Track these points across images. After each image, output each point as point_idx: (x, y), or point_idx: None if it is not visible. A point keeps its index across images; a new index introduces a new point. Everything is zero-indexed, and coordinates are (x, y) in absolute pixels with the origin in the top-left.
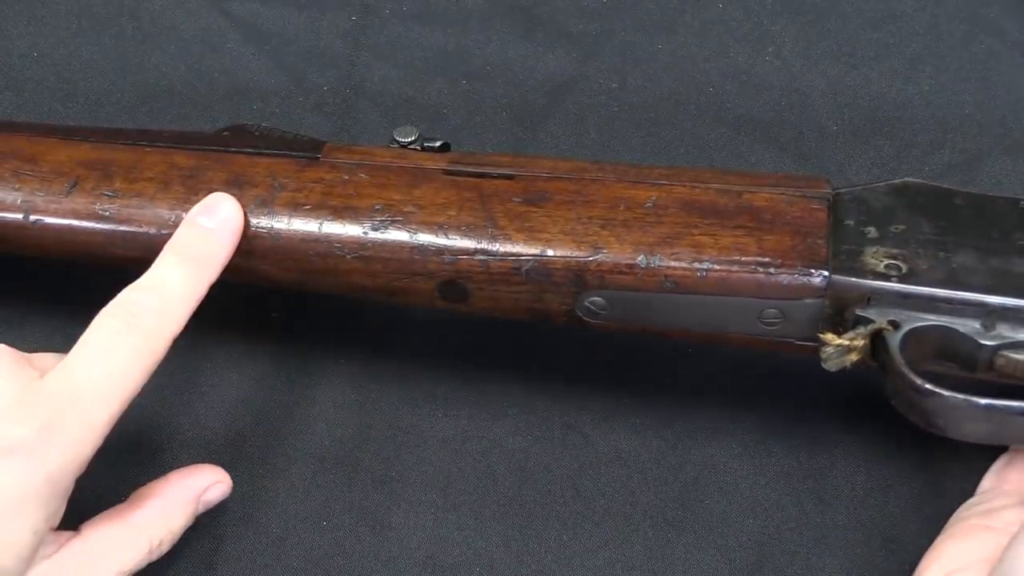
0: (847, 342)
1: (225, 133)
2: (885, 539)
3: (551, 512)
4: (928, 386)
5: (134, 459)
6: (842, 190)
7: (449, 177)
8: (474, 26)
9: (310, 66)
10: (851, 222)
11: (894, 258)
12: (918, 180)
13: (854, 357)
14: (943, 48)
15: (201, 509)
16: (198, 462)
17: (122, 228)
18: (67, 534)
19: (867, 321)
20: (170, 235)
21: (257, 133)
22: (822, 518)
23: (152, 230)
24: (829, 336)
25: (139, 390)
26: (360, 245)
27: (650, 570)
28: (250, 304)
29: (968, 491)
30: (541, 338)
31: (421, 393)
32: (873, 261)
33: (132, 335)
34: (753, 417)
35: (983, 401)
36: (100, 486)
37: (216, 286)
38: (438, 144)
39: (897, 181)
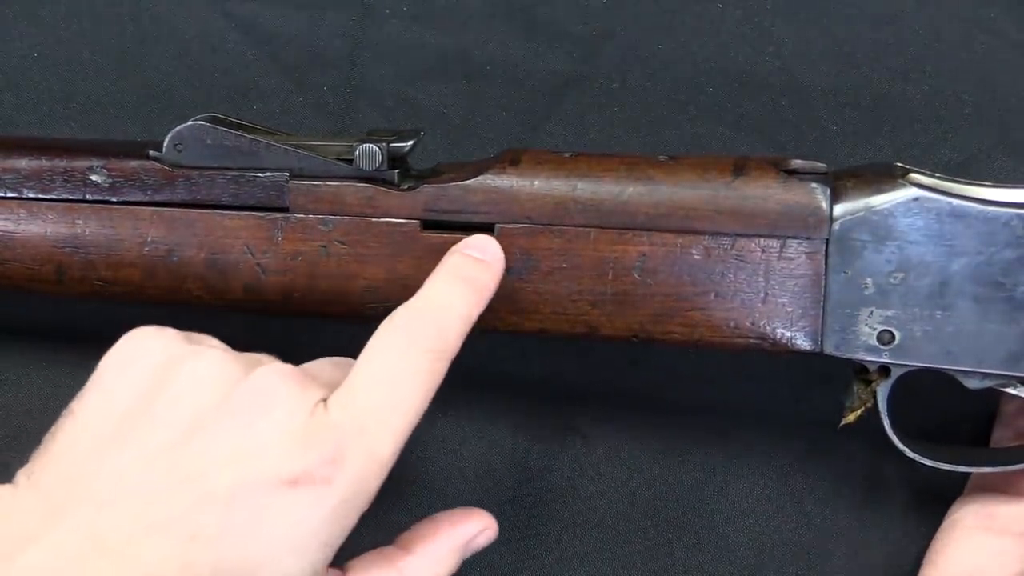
0: (860, 412)
1: (179, 146)
2: (885, 539)
3: (551, 512)
4: (912, 454)
5: None
6: (838, 219)
7: (427, 238)
8: (474, 26)
9: (310, 66)
10: (847, 273)
11: (888, 323)
12: (907, 166)
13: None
14: (943, 48)
15: (466, 556)
16: None
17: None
18: (334, 572)
19: (865, 379)
20: None
21: (228, 124)
22: (822, 518)
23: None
24: (850, 416)
25: (420, 417)
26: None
27: (650, 570)
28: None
29: None
30: (541, 338)
31: None
32: (866, 330)
33: (415, 356)
34: (752, 417)
35: (962, 469)
36: None
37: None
38: (407, 147)
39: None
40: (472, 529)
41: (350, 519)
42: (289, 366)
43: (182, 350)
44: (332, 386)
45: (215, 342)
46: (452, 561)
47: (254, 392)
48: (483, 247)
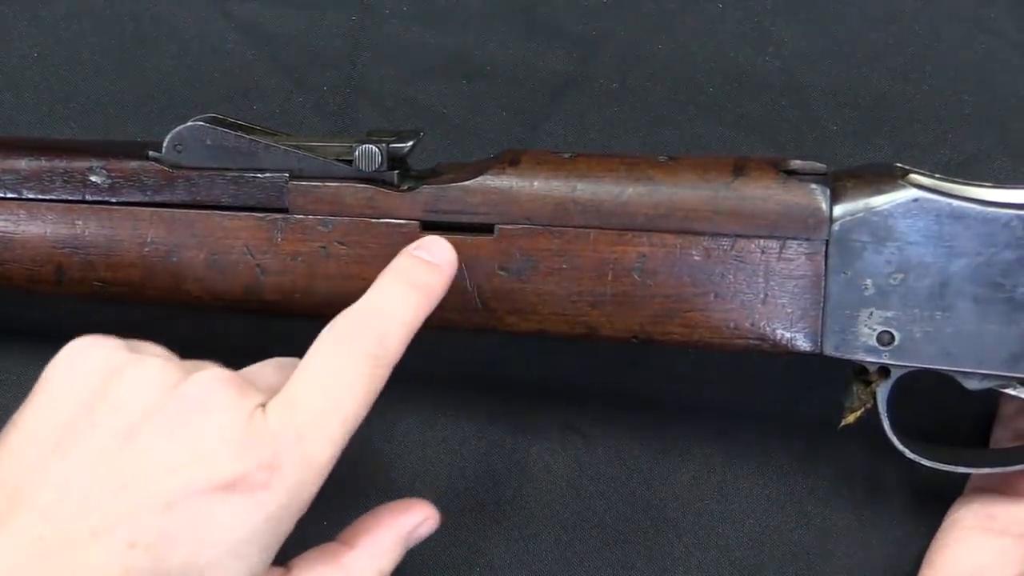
0: (859, 412)
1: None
2: (885, 539)
3: (551, 512)
4: (911, 455)
5: None
6: (837, 220)
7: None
8: (474, 26)
9: (310, 66)
10: (846, 273)
11: (887, 324)
12: (907, 167)
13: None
14: (943, 48)
15: (409, 547)
16: None
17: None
18: (277, 571)
19: (865, 380)
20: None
21: (229, 125)
22: (822, 518)
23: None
24: (849, 417)
25: (360, 423)
26: None
27: (650, 570)
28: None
29: None
30: (540, 338)
31: (420, 394)
32: (866, 331)
33: (354, 363)
34: (752, 417)
35: (962, 470)
36: None
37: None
38: (407, 147)
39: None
40: (413, 520)
41: (287, 524)
42: (229, 371)
43: (123, 358)
44: (272, 391)
45: (158, 350)
46: (395, 553)
47: (191, 398)
48: (433, 249)
